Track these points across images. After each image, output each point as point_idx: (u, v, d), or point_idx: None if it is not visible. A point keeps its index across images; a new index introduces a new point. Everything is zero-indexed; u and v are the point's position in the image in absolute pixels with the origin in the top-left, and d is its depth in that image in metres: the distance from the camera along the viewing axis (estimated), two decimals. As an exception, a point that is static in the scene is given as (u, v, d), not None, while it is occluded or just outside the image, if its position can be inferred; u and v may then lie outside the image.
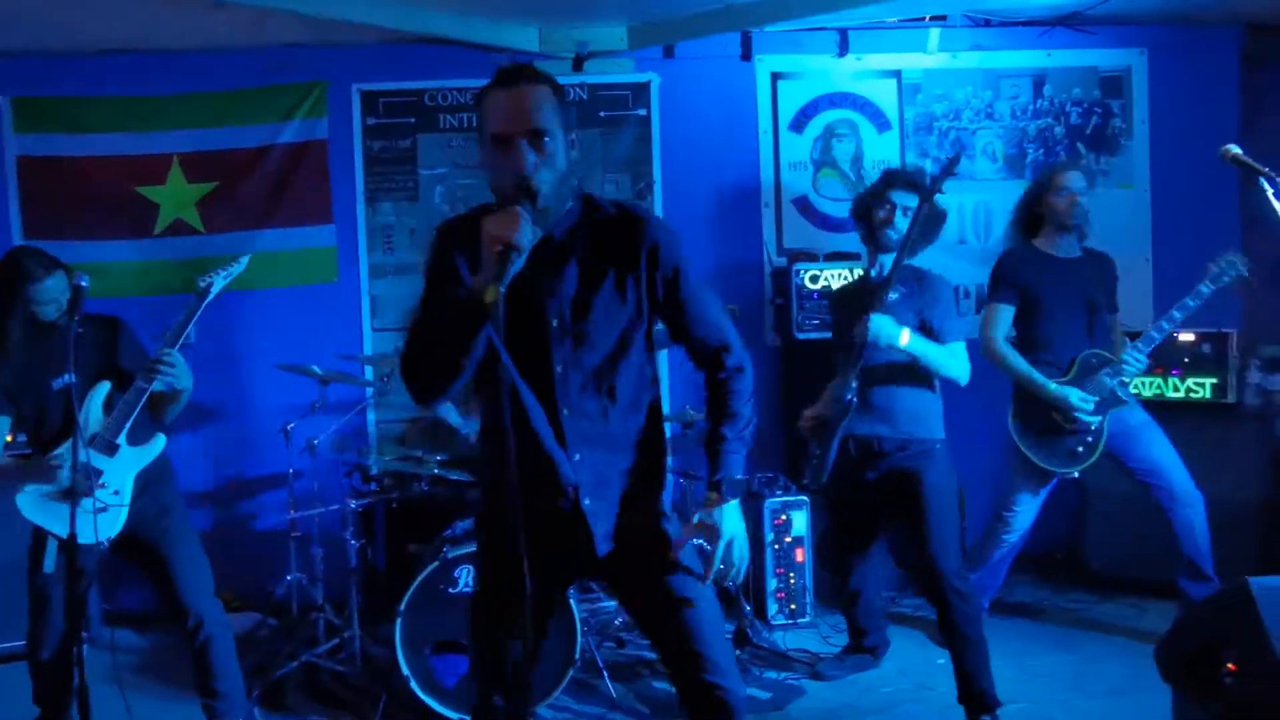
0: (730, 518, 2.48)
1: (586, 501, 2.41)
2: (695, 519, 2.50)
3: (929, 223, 3.84)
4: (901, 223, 3.85)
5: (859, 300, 3.91)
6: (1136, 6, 5.38)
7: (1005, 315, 4.45)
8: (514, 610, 2.35)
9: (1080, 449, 4.37)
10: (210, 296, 3.63)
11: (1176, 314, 4.23)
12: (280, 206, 5.56)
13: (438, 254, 2.40)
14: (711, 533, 2.46)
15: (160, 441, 3.68)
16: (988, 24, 5.78)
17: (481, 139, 2.34)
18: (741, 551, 2.49)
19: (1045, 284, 4.41)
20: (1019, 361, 4.38)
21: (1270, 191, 2.81)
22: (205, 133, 5.53)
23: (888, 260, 3.90)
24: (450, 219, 2.46)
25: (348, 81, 5.59)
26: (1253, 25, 5.77)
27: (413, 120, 5.63)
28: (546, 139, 2.26)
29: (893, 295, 3.79)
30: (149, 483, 3.65)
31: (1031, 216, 4.55)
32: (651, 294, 2.44)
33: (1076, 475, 4.46)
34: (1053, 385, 4.33)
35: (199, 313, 3.59)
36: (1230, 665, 2.90)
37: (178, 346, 3.51)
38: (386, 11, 5.10)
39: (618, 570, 2.53)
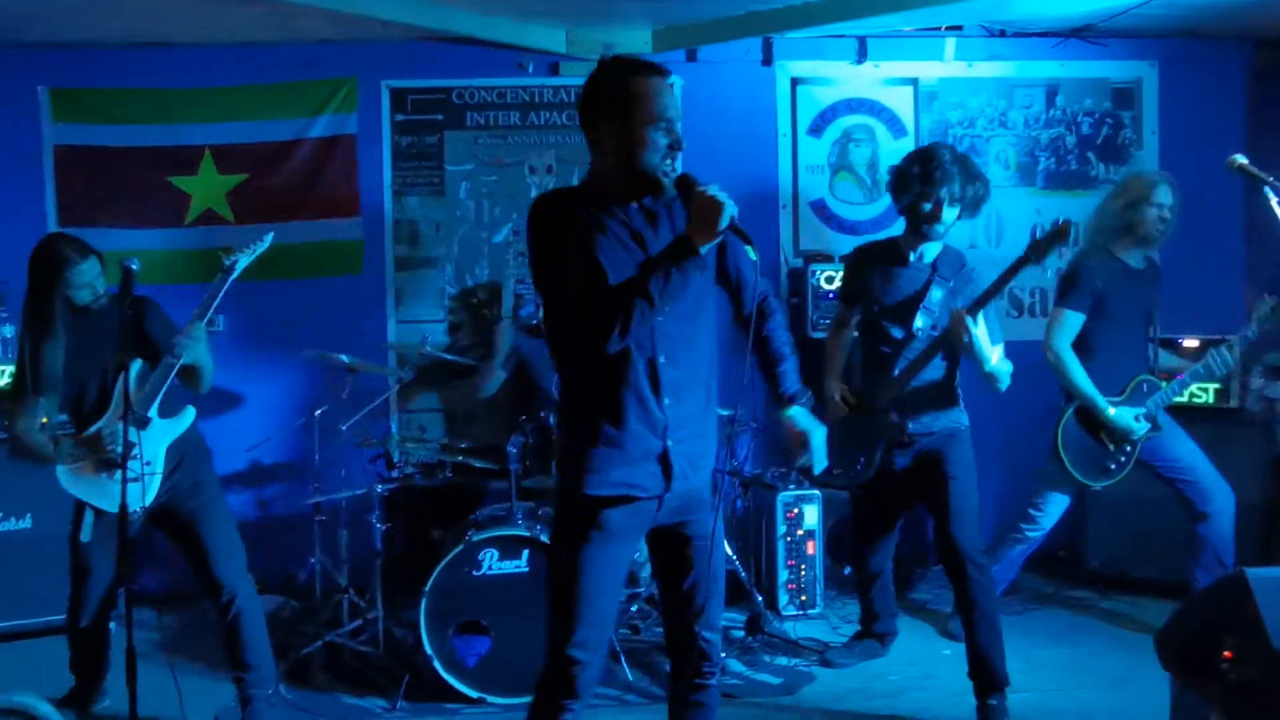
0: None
1: (670, 443, 2.67)
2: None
3: (975, 204, 3.93)
4: (949, 214, 3.89)
5: (887, 270, 4.03)
6: (1148, 21, 5.49)
7: (1075, 323, 4.43)
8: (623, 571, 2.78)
9: (1113, 465, 4.49)
10: (235, 273, 3.73)
11: (1216, 365, 4.44)
12: (309, 199, 5.70)
13: (564, 217, 2.63)
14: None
15: (190, 413, 3.79)
16: (1003, 35, 5.90)
17: (628, 113, 2.58)
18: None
19: (1118, 294, 4.44)
20: (1084, 378, 4.40)
21: (1274, 200, 2.94)
22: (237, 125, 5.67)
23: (929, 249, 4.00)
24: (557, 191, 2.79)
25: (377, 78, 5.72)
26: (1261, 41, 5.91)
27: (440, 117, 5.76)
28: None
29: (938, 293, 3.91)
30: (184, 458, 3.77)
31: (1124, 225, 4.48)
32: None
33: (1098, 488, 4.60)
34: (1110, 410, 4.41)
35: (225, 289, 3.70)
36: (1227, 653, 3.02)
37: (205, 320, 3.64)
38: (416, 10, 5.22)
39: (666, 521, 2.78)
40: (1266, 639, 2.85)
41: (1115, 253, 4.51)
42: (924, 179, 3.87)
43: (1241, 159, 3.13)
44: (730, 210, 2.46)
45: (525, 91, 5.78)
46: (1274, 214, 2.94)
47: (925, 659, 4.52)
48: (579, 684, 2.66)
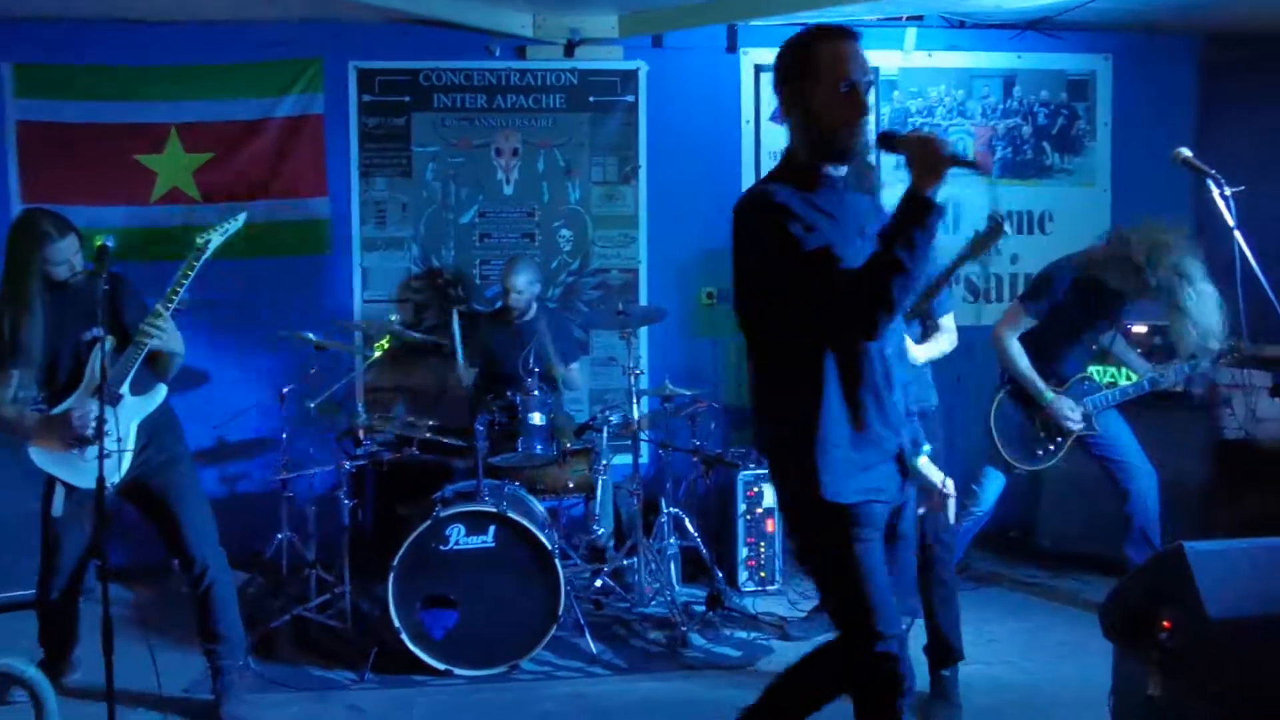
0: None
1: (903, 440, 2.65)
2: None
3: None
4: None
5: None
6: (1102, 15, 5.63)
7: (1027, 324, 4.57)
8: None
9: (1042, 452, 4.64)
10: (208, 253, 3.71)
11: (1163, 378, 4.58)
12: (276, 178, 5.72)
13: (788, 209, 2.48)
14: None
15: (161, 391, 3.82)
16: (962, 25, 6.03)
17: (816, 80, 2.50)
18: None
19: (1080, 308, 4.53)
20: (1025, 365, 4.54)
21: (1216, 192, 3.06)
22: (204, 104, 5.68)
23: None
24: (764, 192, 2.54)
25: (345, 59, 5.75)
26: (1211, 36, 6.07)
27: (408, 99, 5.80)
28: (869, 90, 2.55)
29: None
30: (156, 433, 3.80)
31: (1131, 270, 4.36)
32: None
33: (1024, 472, 4.75)
34: (1050, 394, 4.55)
35: (197, 270, 3.68)
36: (1166, 623, 3.17)
37: (175, 305, 3.63)
38: (384, -10, 5.26)
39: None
40: (1203, 609, 2.99)
41: (1095, 275, 4.48)
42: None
43: (1185, 152, 3.24)
44: (950, 145, 2.38)
45: (492, 74, 5.83)
46: (1217, 206, 3.07)
47: (880, 633, 4.66)
48: (899, 676, 2.55)
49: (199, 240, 3.72)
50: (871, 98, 2.52)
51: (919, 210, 2.38)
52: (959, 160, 2.37)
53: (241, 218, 3.87)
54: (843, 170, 2.60)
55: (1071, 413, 4.56)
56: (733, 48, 5.96)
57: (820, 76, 2.50)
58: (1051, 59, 6.12)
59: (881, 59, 6.03)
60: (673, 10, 5.63)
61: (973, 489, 4.83)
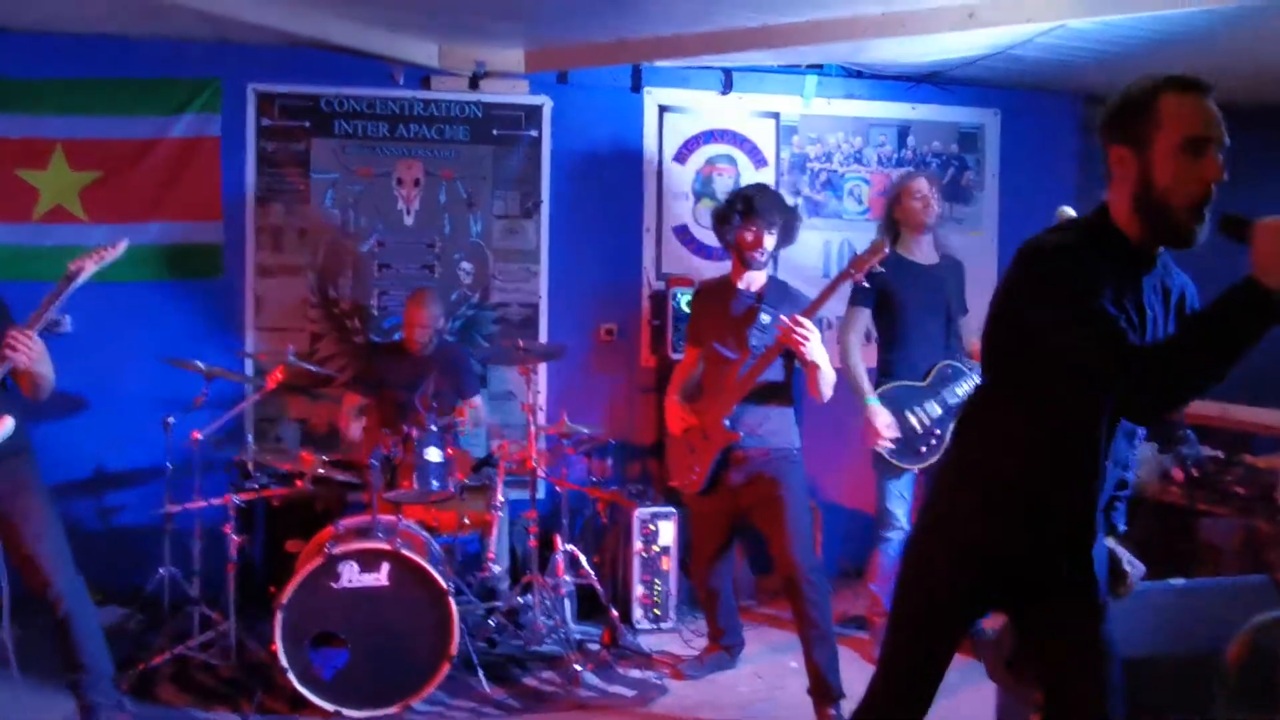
0: None
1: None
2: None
3: (789, 232, 4.23)
4: (769, 241, 4.17)
5: (722, 303, 4.25)
6: (992, 71, 5.86)
7: (860, 317, 4.73)
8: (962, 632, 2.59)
9: (924, 449, 4.65)
10: (79, 281, 3.53)
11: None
12: (168, 200, 5.55)
13: (1085, 268, 2.17)
14: None
15: (9, 424, 3.57)
16: (860, 75, 6.20)
17: (1153, 136, 2.17)
18: None
19: (904, 288, 4.67)
20: (858, 365, 4.64)
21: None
22: (92, 120, 5.48)
23: (755, 279, 4.25)
24: (1068, 243, 2.24)
25: (243, 80, 5.62)
26: (1090, 97, 6.36)
27: (307, 124, 5.70)
28: (1224, 156, 2.19)
29: (766, 316, 4.11)
30: (4, 459, 3.60)
31: (892, 224, 4.81)
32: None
33: (916, 471, 4.69)
34: (870, 397, 4.59)
35: (64, 296, 3.50)
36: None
37: (40, 329, 3.44)
38: (287, 15, 5.15)
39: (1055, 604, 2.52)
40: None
41: (899, 252, 4.72)
42: (744, 214, 4.15)
43: (1069, 211, 3.40)
44: None
45: (395, 103, 5.78)
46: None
47: (771, 671, 4.71)
48: None
49: (71, 267, 3.54)
50: (1220, 163, 2.15)
51: (1257, 311, 1.95)
52: None
53: (122, 246, 3.70)
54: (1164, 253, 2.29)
55: (886, 429, 4.55)
56: (637, 87, 6.02)
57: (1159, 133, 2.17)
58: (944, 111, 6.33)
59: (782, 104, 6.17)
60: (578, 48, 5.67)
61: (882, 514, 4.82)
